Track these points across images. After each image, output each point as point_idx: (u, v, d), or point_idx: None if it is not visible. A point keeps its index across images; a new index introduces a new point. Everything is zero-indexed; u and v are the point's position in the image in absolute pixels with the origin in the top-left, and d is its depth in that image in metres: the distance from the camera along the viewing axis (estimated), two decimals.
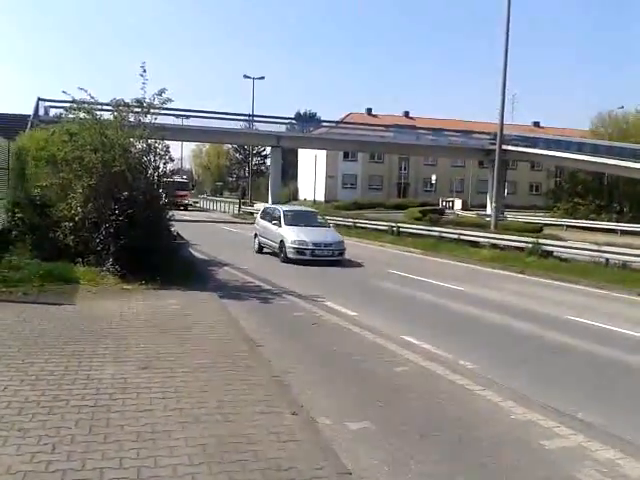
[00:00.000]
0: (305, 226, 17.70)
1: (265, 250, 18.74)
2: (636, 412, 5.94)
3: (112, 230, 10.88)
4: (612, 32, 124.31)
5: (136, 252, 10.65)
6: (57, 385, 5.32)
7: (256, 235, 19.53)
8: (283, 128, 47.62)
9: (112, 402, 4.98)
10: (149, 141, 12.23)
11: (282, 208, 19.75)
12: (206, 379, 5.75)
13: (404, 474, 4.23)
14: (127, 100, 12.31)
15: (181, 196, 51.18)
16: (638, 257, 16.77)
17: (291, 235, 16.92)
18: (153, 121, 12.48)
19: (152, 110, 12.34)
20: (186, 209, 52.28)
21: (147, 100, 12.13)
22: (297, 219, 18.29)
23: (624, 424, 5.46)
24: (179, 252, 13.62)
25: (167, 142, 12.88)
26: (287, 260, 16.55)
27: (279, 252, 17.16)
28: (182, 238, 15.90)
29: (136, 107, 12.18)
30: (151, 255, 10.88)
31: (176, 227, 13.78)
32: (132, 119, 12.30)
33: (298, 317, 9.68)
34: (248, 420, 4.78)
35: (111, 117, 12.43)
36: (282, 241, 17.00)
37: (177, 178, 58.32)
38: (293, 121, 55.71)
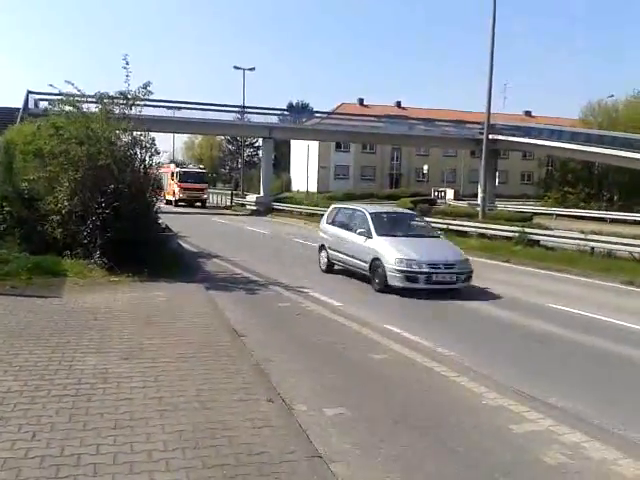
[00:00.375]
0: (404, 236, 12.48)
1: (336, 267, 13.74)
2: (611, 398, 6.11)
3: (98, 223, 10.98)
4: (607, 22, 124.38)
5: (123, 244, 10.75)
6: (40, 375, 5.44)
7: (322, 247, 14.19)
8: (275, 119, 47.42)
9: (93, 391, 5.11)
10: (134, 134, 12.30)
11: (367, 209, 13.69)
12: (187, 369, 5.88)
13: (374, 457, 4.37)
14: (111, 93, 12.38)
15: (198, 189, 44.81)
16: (622, 245, 17.01)
17: (392, 252, 11.53)
18: (138, 113, 12.55)
19: (137, 102, 12.42)
20: (203, 205, 44.69)
21: (132, 93, 12.19)
22: (391, 225, 13.07)
23: (597, 409, 5.63)
24: (167, 244, 13.71)
25: (158, 134, 13.00)
26: (386, 289, 11.36)
27: (371, 276, 11.90)
28: (170, 230, 15.97)
29: (120, 100, 12.23)
30: (138, 247, 10.97)
31: (164, 219, 13.86)
32: (117, 112, 12.35)
33: (283, 308, 9.80)
34: (225, 407, 4.92)
35: (97, 110, 12.50)
36: (376, 259, 11.73)
37: (192, 167, 52.23)
38: (285, 112, 55.44)
